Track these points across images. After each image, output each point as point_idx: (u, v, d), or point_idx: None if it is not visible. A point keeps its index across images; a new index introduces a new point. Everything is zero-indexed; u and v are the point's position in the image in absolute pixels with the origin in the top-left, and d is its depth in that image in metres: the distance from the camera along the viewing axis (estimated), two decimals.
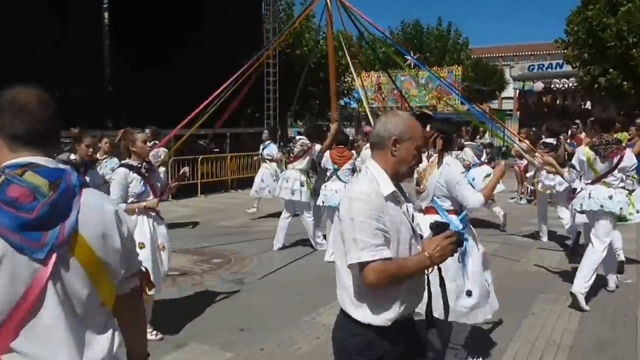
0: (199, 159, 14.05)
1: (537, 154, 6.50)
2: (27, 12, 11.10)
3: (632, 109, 21.33)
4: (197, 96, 8.55)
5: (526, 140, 9.34)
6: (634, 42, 18.24)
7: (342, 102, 26.19)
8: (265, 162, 11.18)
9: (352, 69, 12.98)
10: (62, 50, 11.41)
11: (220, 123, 8.62)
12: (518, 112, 30.97)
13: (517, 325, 5.03)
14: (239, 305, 5.68)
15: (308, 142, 8.04)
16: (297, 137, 8.24)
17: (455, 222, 3.92)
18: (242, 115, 14.85)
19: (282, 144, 12.62)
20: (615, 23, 18.55)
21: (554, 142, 8.33)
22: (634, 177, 6.03)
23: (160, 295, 5.75)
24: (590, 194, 5.53)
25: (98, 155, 6.67)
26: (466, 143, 9.68)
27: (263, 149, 11.30)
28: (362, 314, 2.31)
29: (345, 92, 24.84)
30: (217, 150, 14.36)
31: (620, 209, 5.44)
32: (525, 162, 12.24)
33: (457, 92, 22.63)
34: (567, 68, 24.02)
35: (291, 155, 8.18)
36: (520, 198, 13.01)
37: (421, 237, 2.40)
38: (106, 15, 13.60)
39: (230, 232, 9.51)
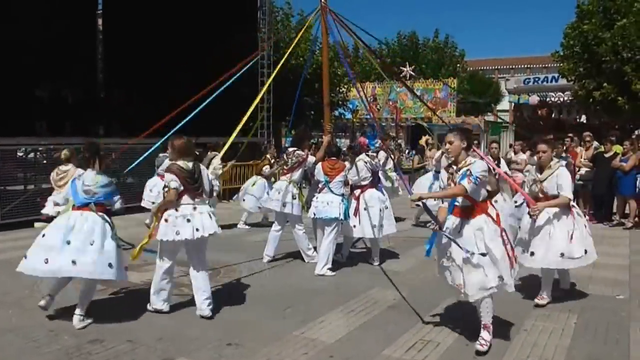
0: None
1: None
2: (19, 16, 11.03)
3: (626, 124, 21.41)
4: (191, 103, 8.50)
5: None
6: (629, 57, 18.30)
7: (336, 113, 26.16)
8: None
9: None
10: (54, 55, 11.31)
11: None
12: (514, 125, 31.03)
13: (509, 342, 4.95)
14: (226, 319, 5.57)
15: (303, 153, 7.97)
16: (291, 149, 8.13)
17: None
18: (235, 124, 14.73)
19: (275, 154, 12.53)
20: (611, 38, 18.63)
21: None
22: None
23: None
24: None
25: None
26: None
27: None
28: None
29: (340, 102, 24.82)
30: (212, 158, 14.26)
31: None
32: (519, 175, 12.22)
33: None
34: (563, 81, 24.13)
35: (285, 166, 8.10)
36: None
37: None
38: (100, 21, 13.52)
39: (220, 243, 9.37)
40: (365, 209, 7.67)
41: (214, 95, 8.12)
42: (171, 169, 5.47)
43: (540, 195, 5.99)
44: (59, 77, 11.78)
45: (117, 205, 5.75)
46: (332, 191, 7.36)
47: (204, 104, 8.06)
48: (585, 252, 5.98)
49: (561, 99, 27.12)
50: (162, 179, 8.04)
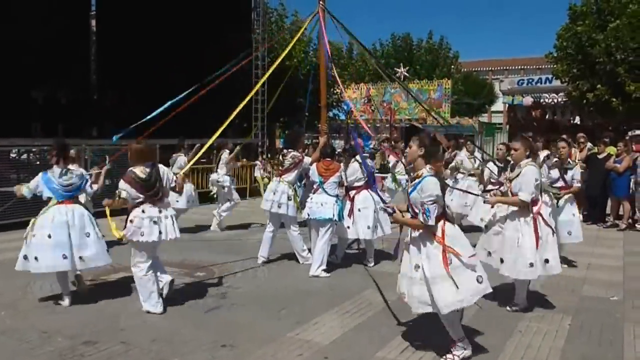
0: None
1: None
2: (13, 18, 10.99)
3: (620, 125, 21.46)
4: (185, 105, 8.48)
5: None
6: (622, 58, 18.36)
7: (330, 114, 26.18)
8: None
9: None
10: (47, 56, 11.28)
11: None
12: (507, 126, 31.09)
13: (503, 344, 4.96)
14: (221, 321, 5.56)
15: (299, 154, 7.96)
16: (286, 150, 8.12)
17: None
18: (229, 125, 14.71)
19: (269, 155, 12.54)
20: (604, 39, 18.67)
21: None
22: None
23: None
24: None
25: None
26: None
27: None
28: None
29: (334, 103, 24.82)
30: (204, 160, 14.19)
31: None
32: None
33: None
34: (556, 83, 24.14)
35: (281, 167, 8.08)
36: None
37: None
38: (93, 22, 13.50)
39: (214, 245, 9.41)
40: (359, 210, 7.67)
41: (193, 99, 8.11)
42: (125, 177, 5.59)
43: (510, 194, 5.80)
44: (53, 79, 11.76)
45: (90, 190, 6.26)
46: (326, 192, 7.36)
47: (182, 106, 8.03)
48: (547, 261, 5.70)
49: (555, 100, 27.16)
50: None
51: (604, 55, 18.74)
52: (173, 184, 5.96)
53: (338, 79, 12.50)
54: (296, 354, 4.69)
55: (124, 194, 5.53)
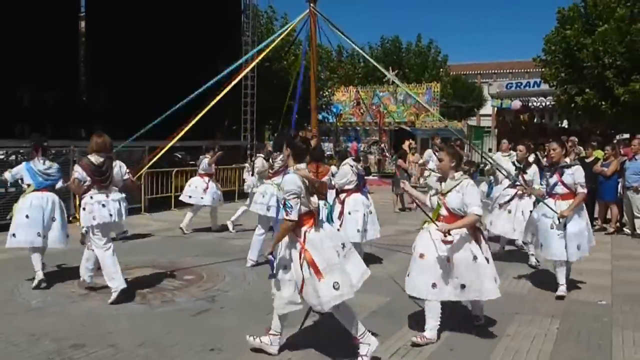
0: (173, 172, 13.83)
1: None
2: (0, 18, 10.90)
3: (607, 129, 21.62)
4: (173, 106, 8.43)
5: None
6: (610, 62, 18.49)
7: (320, 117, 26.18)
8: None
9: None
10: (35, 58, 11.19)
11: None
12: (496, 130, 31.24)
13: (492, 347, 4.96)
14: (209, 324, 5.53)
15: None
16: (276, 153, 8.09)
17: None
18: (219, 127, 14.70)
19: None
20: (592, 44, 18.80)
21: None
22: None
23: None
24: None
25: None
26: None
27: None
28: None
29: (324, 106, 24.83)
30: (193, 162, 14.17)
31: None
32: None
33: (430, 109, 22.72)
34: (545, 86, 24.32)
35: (270, 170, 8.05)
36: None
37: None
38: (82, 24, 13.42)
39: (203, 248, 9.36)
40: (349, 213, 7.65)
41: (182, 103, 8.09)
42: (81, 163, 6.34)
43: (445, 212, 5.18)
44: (41, 80, 11.66)
45: (59, 185, 7.08)
46: None
47: (172, 110, 8.02)
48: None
49: (543, 104, 27.35)
50: (201, 178, 10.76)
51: (592, 59, 18.87)
52: (126, 177, 6.58)
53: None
54: (285, 358, 4.67)
55: (76, 174, 6.19)
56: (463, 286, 5.02)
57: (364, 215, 7.71)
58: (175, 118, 8.03)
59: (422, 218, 5.62)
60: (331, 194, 7.90)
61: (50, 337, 5.04)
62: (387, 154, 26.36)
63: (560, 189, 6.61)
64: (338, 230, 7.61)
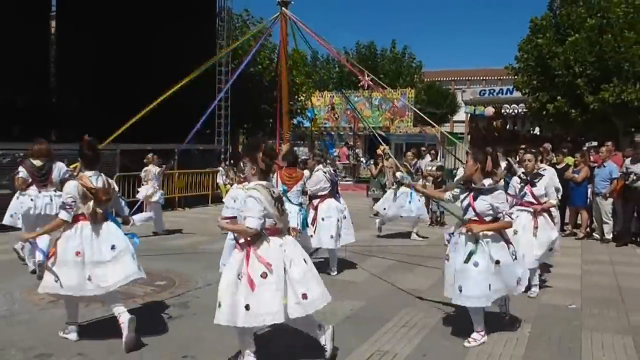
0: None
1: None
2: None
3: (578, 136, 21.98)
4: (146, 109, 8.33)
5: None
6: (580, 71, 18.82)
7: (295, 121, 26.12)
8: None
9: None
10: (4, 58, 10.96)
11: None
12: (469, 136, 31.55)
13: (465, 352, 4.98)
14: (182, 330, 5.45)
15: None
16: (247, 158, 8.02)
17: None
18: (191, 131, 14.54)
19: (232, 162, 12.42)
20: (563, 52, 19.12)
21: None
22: None
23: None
24: None
25: None
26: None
27: None
28: None
29: (299, 111, 24.81)
30: (165, 166, 14.00)
31: None
32: None
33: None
34: (517, 94, 24.62)
35: (242, 174, 7.99)
36: None
37: None
38: (53, 23, 13.17)
39: (175, 253, 9.25)
40: (323, 219, 7.63)
41: (154, 103, 8.01)
42: (24, 164, 7.53)
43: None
44: (9, 81, 11.42)
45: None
46: (289, 200, 7.28)
47: (141, 114, 7.97)
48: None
49: (516, 111, 27.72)
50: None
51: (563, 67, 19.19)
52: (67, 175, 7.00)
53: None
54: None
55: (21, 174, 7.38)
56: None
57: (338, 220, 7.69)
58: (148, 120, 7.94)
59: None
60: (304, 200, 7.88)
61: (17, 346, 4.90)
62: (362, 159, 26.47)
63: (529, 199, 6.81)
64: (312, 237, 7.63)
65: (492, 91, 30.81)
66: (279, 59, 9.52)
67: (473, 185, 5.25)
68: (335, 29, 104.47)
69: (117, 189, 5.79)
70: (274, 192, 4.57)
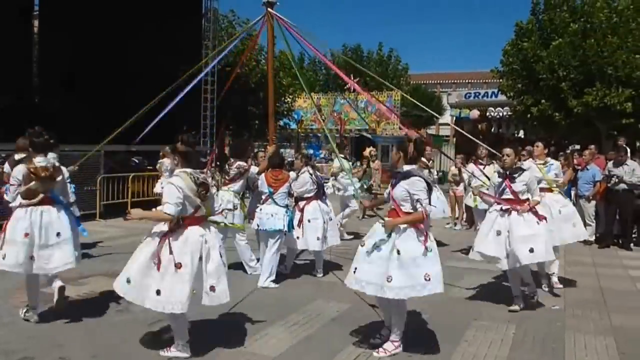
0: (130, 176, 13.52)
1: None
2: None
3: (561, 139, 22.19)
4: (130, 111, 8.27)
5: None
6: (564, 75, 19.01)
7: (281, 123, 26.11)
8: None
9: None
10: None
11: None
12: (454, 139, 31.74)
13: (450, 353, 5.00)
14: (165, 333, 5.39)
15: (245, 164, 7.88)
16: (232, 159, 8.01)
17: None
18: (177, 132, 14.45)
19: (217, 163, 12.36)
20: (547, 56, 19.29)
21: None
22: None
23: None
24: None
25: None
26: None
27: None
28: None
29: (285, 112, 24.80)
30: (151, 167, 13.87)
31: None
32: (461, 188, 12.47)
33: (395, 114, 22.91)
34: (502, 97, 24.80)
35: (227, 176, 7.97)
36: (455, 224, 13.19)
37: None
38: (36, 23, 13.01)
39: None
40: (309, 221, 7.63)
41: (144, 110, 7.98)
42: (9, 161, 7.07)
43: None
44: None
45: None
46: (276, 202, 7.26)
47: (136, 115, 7.93)
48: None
49: (500, 114, 27.91)
50: None
51: (547, 71, 19.37)
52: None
53: None
54: None
55: (6, 169, 6.87)
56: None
57: (324, 222, 7.70)
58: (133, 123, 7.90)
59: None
60: (291, 202, 7.87)
61: None
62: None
63: (508, 195, 6.36)
64: (298, 238, 7.62)
65: (477, 94, 31.02)
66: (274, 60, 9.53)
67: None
68: (321, 31, 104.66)
69: (67, 175, 6.56)
70: (197, 177, 4.72)
